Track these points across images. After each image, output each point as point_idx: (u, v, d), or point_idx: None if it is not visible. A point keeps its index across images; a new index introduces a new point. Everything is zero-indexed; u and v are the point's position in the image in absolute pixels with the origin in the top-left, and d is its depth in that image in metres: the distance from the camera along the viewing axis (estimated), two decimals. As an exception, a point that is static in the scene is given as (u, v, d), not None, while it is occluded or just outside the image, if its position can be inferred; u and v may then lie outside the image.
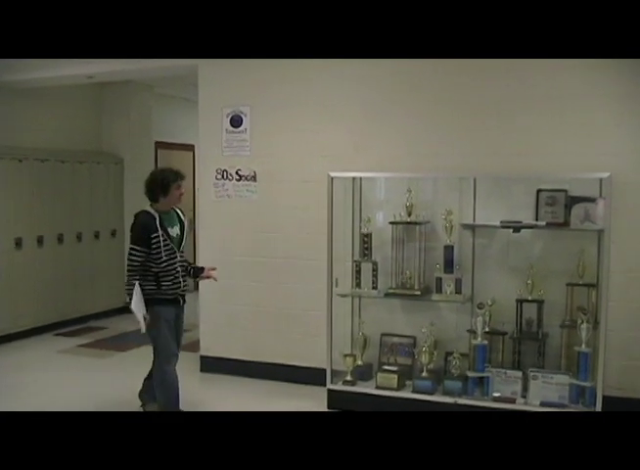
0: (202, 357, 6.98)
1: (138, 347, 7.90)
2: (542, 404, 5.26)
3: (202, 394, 6.58)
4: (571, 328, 5.44)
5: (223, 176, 6.71)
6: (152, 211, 5.14)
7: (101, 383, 6.62)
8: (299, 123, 6.41)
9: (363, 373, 5.94)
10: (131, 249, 5.09)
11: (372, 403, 5.58)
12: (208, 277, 5.58)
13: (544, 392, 5.32)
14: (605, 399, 5.13)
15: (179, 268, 5.23)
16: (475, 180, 5.76)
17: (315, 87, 6.31)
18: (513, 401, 5.35)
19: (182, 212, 5.42)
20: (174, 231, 5.22)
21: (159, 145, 10.57)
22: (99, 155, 9.52)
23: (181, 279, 5.25)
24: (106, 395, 6.20)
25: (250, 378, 6.40)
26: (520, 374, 5.45)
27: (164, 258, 5.09)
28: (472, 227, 5.79)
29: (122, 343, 8.16)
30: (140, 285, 5.03)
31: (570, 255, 5.52)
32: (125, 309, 9.57)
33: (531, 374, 5.37)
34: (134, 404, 5.73)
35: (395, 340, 6.08)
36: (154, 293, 5.12)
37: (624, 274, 5.41)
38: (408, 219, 5.80)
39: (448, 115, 5.90)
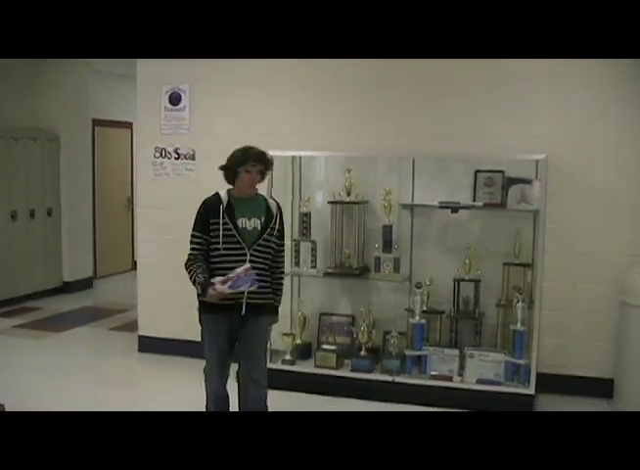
0: (140, 337, 6.90)
1: (73, 327, 7.82)
2: (478, 382, 5.36)
3: (140, 374, 6.53)
4: (507, 307, 5.54)
5: (162, 155, 6.61)
6: (223, 194, 4.34)
7: (36, 365, 6.49)
8: (240, 102, 6.34)
9: (302, 352, 5.95)
10: (191, 235, 4.35)
11: (311, 382, 5.61)
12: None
13: (480, 370, 5.40)
14: (539, 376, 5.26)
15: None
16: (413, 161, 5.80)
17: (256, 66, 6.21)
18: (450, 379, 5.43)
19: (278, 204, 4.46)
20: (249, 223, 4.23)
21: (96, 122, 10.35)
22: (34, 131, 9.24)
23: None
24: (41, 377, 6.09)
25: (189, 357, 6.32)
26: (457, 352, 5.53)
27: (222, 251, 4.19)
28: (410, 207, 5.84)
29: (58, 324, 8.01)
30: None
31: (506, 235, 5.61)
32: (61, 290, 9.53)
33: (468, 352, 5.46)
34: (67, 387, 5.67)
35: (334, 319, 6.11)
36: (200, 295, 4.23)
37: (559, 255, 5.53)
38: (347, 199, 5.81)
39: (389, 96, 5.91)
